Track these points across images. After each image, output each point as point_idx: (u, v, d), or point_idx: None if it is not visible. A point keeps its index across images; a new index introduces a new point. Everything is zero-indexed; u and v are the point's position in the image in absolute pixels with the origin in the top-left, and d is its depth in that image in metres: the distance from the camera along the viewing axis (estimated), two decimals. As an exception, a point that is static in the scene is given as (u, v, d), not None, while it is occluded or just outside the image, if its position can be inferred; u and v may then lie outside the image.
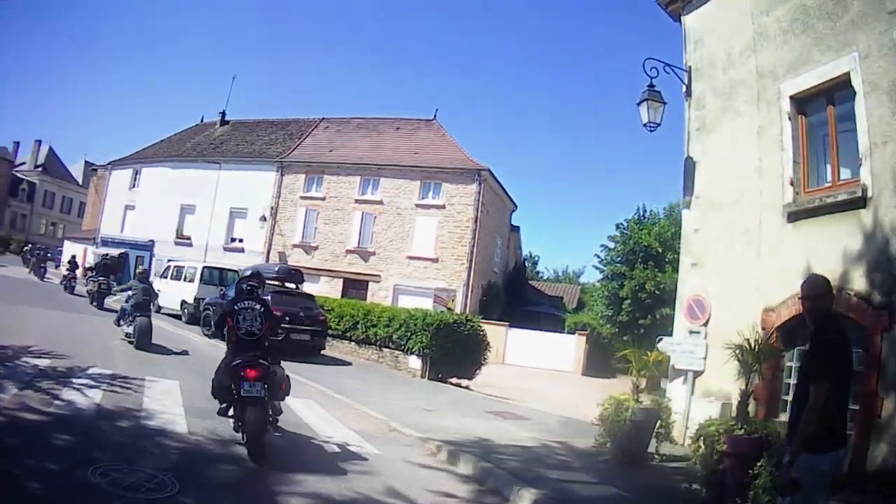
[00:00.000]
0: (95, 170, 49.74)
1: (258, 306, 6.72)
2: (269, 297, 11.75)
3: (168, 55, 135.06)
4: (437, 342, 14.96)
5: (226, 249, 34.08)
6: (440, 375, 15.20)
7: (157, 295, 14.74)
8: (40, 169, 72.09)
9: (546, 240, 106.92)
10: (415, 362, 15.59)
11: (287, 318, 13.53)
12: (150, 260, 36.01)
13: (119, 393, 7.87)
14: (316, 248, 32.08)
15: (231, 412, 6.39)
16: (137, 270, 15.13)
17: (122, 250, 37.63)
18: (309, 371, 12.59)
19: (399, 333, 16.01)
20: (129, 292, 13.33)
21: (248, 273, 9.26)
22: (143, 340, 11.99)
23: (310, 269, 27.83)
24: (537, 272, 58.38)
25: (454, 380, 15.35)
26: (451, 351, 15.15)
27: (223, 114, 42.20)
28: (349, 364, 16.03)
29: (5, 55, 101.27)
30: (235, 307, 6.67)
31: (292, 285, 17.44)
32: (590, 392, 15.35)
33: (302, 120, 38.45)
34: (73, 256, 31.13)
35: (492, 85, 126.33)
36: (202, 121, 43.76)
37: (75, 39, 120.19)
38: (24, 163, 75.67)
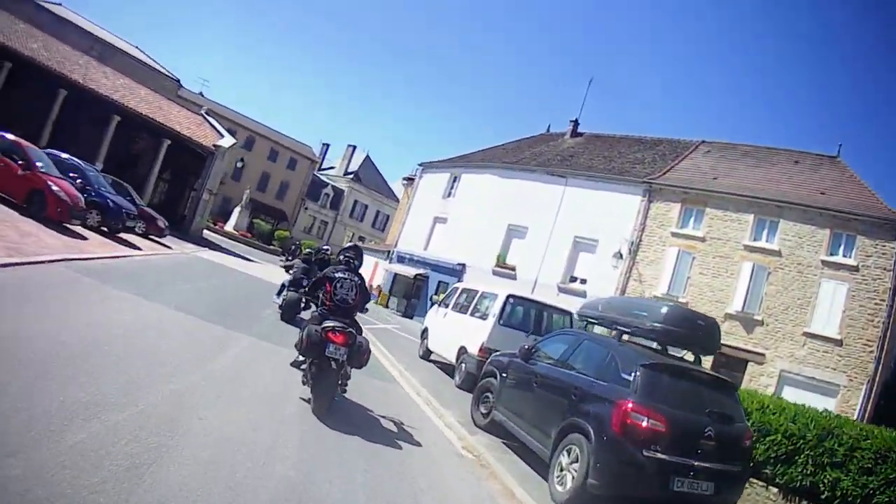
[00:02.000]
0: (411, 180, 47.41)
1: (357, 278, 7.93)
2: (647, 376, 6.99)
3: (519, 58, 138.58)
4: None
5: (561, 290, 29.33)
6: None
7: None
8: (351, 176, 74.34)
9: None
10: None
11: (674, 433, 6.75)
12: (459, 282, 31.14)
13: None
14: (686, 304, 25.18)
15: (304, 366, 7.69)
16: (304, 251, 16.39)
17: (421, 271, 34.68)
18: None
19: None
20: (293, 270, 15.61)
21: (349, 245, 8.58)
22: (288, 313, 13.95)
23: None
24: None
25: None
26: None
27: (575, 123, 38.30)
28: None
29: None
30: (335, 275, 7.80)
31: (685, 355, 9.02)
32: None
33: (676, 140, 33.76)
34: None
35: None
36: (548, 130, 40.09)
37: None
38: (332, 167, 78.85)
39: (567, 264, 30.05)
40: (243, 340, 10.01)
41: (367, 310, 9.46)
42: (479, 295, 15.07)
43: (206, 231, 43.69)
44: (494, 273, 32.00)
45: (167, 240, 23.98)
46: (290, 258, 22.53)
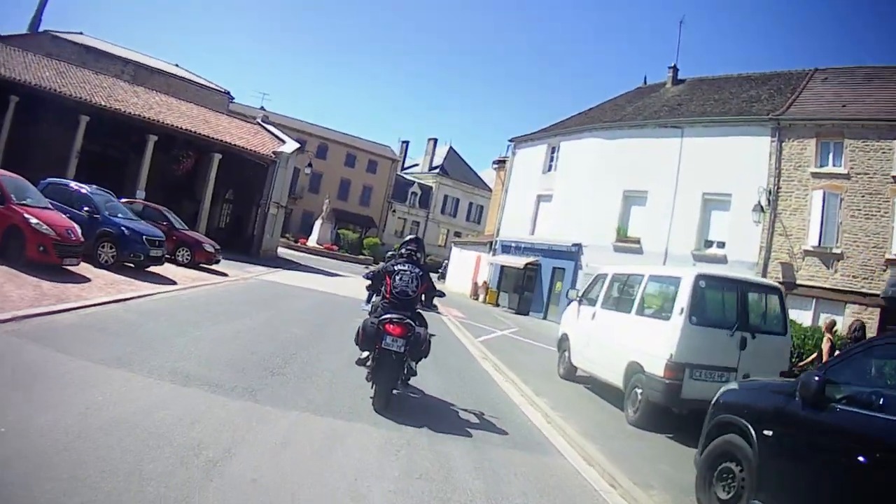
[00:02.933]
0: (503, 162, 44.35)
1: (417, 270, 8.14)
2: None
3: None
4: None
5: (696, 258, 26.59)
6: None
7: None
8: (437, 171, 72.62)
9: None
10: None
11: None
12: (575, 273, 30.69)
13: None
14: (839, 256, 23.23)
15: (368, 363, 7.82)
16: (387, 255, 13.32)
17: (530, 259, 32.81)
18: None
19: None
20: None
21: (409, 238, 8.92)
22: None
23: (830, 291, 22.72)
24: None
25: None
26: None
27: (675, 69, 35.61)
28: None
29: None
30: (395, 267, 8.10)
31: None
32: None
33: (786, 73, 30.32)
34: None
35: None
36: (645, 82, 37.90)
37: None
38: (415, 164, 77.11)
39: (699, 227, 27.22)
40: (283, 420, 6.37)
41: (435, 307, 9.00)
42: (644, 281, 11.13)
43: (282, 249, 42.36)
44: (616, 249, 29.59)
45: (224, 265, 22.89)
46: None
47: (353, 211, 68.03)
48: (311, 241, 54.63)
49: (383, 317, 7.53)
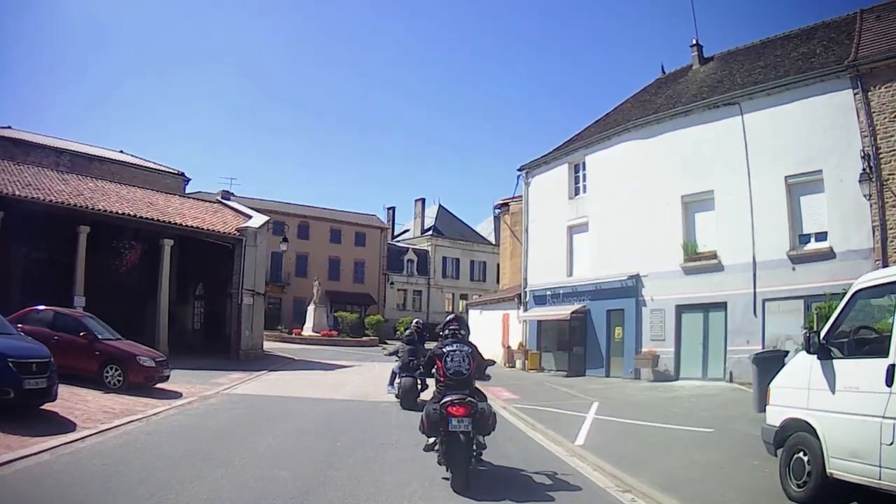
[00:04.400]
0: (506, 205, 38.24)
1: (466, 348, 8.06)
2: None
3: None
4: None
5: (794, 260, 20.08)
6: None
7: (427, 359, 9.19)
8: (430, 232, 66.66)
9: None
10: None
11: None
12: (638, 311, 24.10)
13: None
14: None
15: (436, 447, 7.74)
16: (404, 333, 15.89)
17: (576, 306, 26.55)
18: None
19: None
20: (398, 354, 15.70)
21: (449, 318, 8.75)
22: (407, 399, 14.05)
23: None
24: None
25: None
26: None
27: (698, 47, 29.30)
28: None
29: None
30: (444, 350, 7.98)
31: None
32: None
33: (831, 21, 24.59)
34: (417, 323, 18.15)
35: None
36: (663, 71, 31.58)
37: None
38: (406, 230, 71.49)
39: (790, 220, 20.28)
40: None
41: (489, 377, 8.82)
42: None
43: (272, 344, 35.77)
44: (687, 272, 22.56)
45: (183, 379, 16.72)
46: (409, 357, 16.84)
47: (348, 290, 61.16)
48: (307, 330, 47.47)
49: (444, 400, 7.41)
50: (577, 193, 27.73)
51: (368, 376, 22.97)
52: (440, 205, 72.43)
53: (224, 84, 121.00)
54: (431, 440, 7.82)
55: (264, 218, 30.54)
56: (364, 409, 14.35)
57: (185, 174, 37.65)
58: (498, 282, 67.54)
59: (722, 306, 21.05)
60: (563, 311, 26.19)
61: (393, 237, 71.28)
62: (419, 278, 66.75)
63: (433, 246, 67.54)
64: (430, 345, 11.01)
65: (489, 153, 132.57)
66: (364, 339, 49.23)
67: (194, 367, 20.17)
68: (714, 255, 21.55)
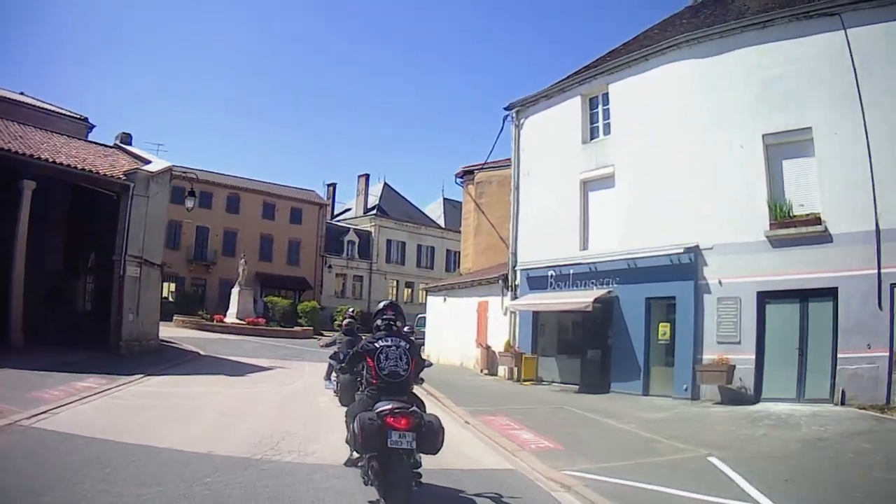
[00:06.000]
0: (470, 173, 30.86)
1: (404, 343, 6.38)
2: None
3: None
4: None
5: None
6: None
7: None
8: (374, 212, 58.99)
9: None
10: None
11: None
12: (697, 299, 16.49)
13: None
14: None
15: (361, 462, 6.24)
16: (343, 321, 14.24)
17: (601, 292, 18.86)
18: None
19: None
20: (336, 346, 13.72)
21: (383, 305, 7.04)
22: (347, 396, 10.50)
23: None
24: None
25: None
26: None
27: None
28: None
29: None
30: (376, 345, 6.29)
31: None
32: None
33: None
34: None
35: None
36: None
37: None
38: (347, 209, 63.52)
39: None
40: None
41: (422, 380, 7.30)
42: None
43: (184, 332, 27.42)
44: (775, 244, 15.06)
45: None
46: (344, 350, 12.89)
47: (281, 272, 52.57)
48: (230, 317, 38.83)
49: (381, 409, 5.69)
50: (594, 136, 19.73)
51: (294, 388, 15.30)
52: (385, 182, 64.17)
53: (154, 43, 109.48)
54: (356, 455, 6.38)
55: (165, 163, 22.21)
56: (270, 494, 6.50)
57: (89, 119, 29.05)
58: (451, 269, 60.24)
59: (829, 294, 13.77)
60: (578, 298, 18.15)
61: (333, 216, 62.80)
62: (360, 262, 58.33)
63: (377, 227, 59.24)
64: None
65: (440, 132, 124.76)
66: (296, 329, 41.09)
67: (46, 364, 13.94)
68: (817, 220, 14.19)
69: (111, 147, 24.68)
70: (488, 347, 22.32)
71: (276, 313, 43.22)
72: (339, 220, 62.27)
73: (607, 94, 19.39)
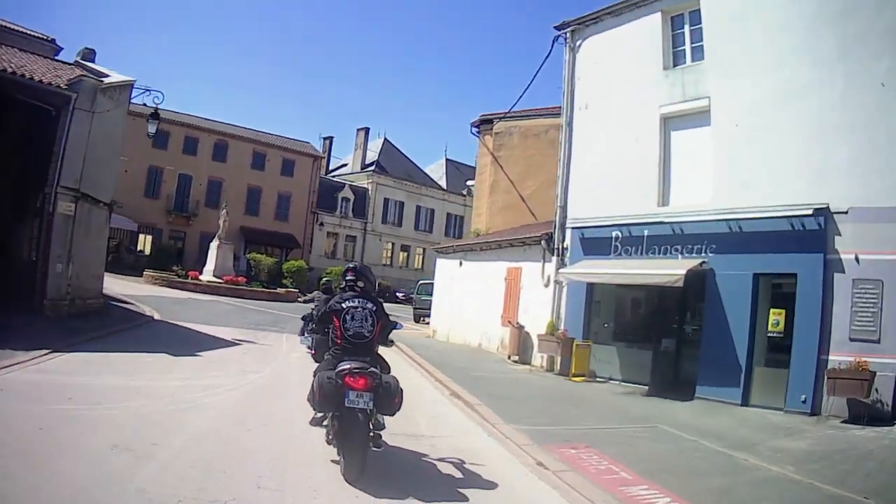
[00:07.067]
0: (488, 122, 26.18)
1: (370, 304, 6.23)
2: None
3: None
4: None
5: None
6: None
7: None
8: (372, 168, 53.91)
9: None
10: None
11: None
12: (826, 278, 11.61)
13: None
14: None
15: (325, 422, 6.13)
16: (322, 282, 13.73)
17: (694, 260, 14.03)
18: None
19: None
20: (313, 304, 13.51)
21: (349, 267, 6.76)
22: (319, 355, 9.92)
23: None
24: None
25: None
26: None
27: None
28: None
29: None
30: (343, 305, 6.14)
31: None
32: None
33: None
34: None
35: None
36: None
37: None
38: (343, 164, 58.68)
39: None
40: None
41: (392, 342, 7.06)
42: None
43: (149, 290, 22.53)
44: None
45: None
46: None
47: (268, 228, 48.09)
48: (206, 274, 34.16)
49: (341, 368, 5.67)
50: (679, 62, 14.72)
51: (259, 379, 10.65)
52: (385, 138, 59.26)
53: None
54: (320, 414, 6.14)
55: (125, 77, 17.39)
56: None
57: (57, 41, 24.02)
58: (451, 233, 55.72)
59: None
60: (663, 269, 13.25)
61: (328, 171, 58.03)
62: (354, 221, 53.77)
63: (374, 184, 54.55)
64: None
65: (445, 88, 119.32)
66: (280, 290, 36.52)
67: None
68: None
69: (70, 64, 19.91)
70: (521, 327, 17.34)
71: (259, 272, 38.79)
72: (334, 176, 57.51)
73: (698, 10, 14.51)
